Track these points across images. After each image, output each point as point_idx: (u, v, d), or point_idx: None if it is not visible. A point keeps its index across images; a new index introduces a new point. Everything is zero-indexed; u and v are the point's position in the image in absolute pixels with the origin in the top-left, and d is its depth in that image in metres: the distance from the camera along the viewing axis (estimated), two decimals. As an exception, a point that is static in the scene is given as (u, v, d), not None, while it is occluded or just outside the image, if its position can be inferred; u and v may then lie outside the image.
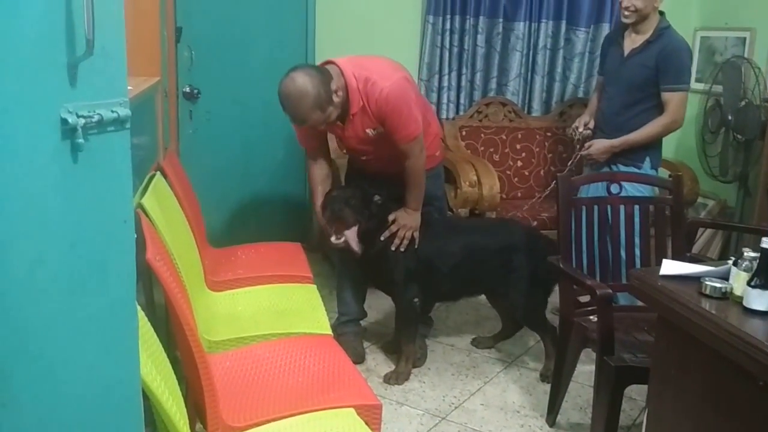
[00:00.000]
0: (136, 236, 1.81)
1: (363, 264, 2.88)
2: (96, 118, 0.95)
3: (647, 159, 3.03)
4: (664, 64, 2.91)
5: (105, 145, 1.00)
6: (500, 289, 2.93)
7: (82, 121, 0.93)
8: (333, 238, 2.75)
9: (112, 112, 0.99)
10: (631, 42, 3.05)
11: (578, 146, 3.24)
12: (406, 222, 2.77)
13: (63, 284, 0.95)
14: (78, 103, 0.94)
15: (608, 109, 3.14)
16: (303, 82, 2.47)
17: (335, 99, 2.52)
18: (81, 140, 0.93)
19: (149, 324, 1.49)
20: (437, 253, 2.83)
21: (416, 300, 2.86)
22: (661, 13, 3.02)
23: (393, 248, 2.76)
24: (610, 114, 3.12)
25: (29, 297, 0.89)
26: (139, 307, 1.42)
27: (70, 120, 0.92)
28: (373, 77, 2.55)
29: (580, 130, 3.24)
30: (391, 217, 2.78)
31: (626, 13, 2.98)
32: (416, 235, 2.78)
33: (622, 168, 3.02)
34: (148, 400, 1.30)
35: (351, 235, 2.76)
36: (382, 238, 2.77)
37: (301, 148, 2.95)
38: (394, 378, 2.83)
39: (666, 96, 2.94)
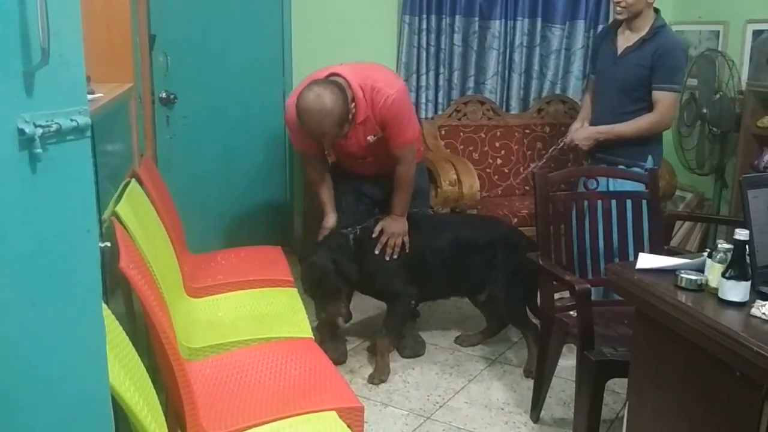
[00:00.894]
0: (111, 245, 1.81)
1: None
2: (54, 127, 0.94)
3: (649, 157, 2.97)
4: (658, 63, 2.86)
5: (65, 155, 0.98)
6: (484, 285, 2.94)
7: (39, 130, 0.91)
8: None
9: (71, 120, 0.98)
10: (625, 40, 2.98)
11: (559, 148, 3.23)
12: (394, 230, 2.82)
13: (25, 297, 0.94)
14: (35, 113, 0.92)
15: (602, 108, 3.07)
16: (329, 101, 2.51)
17: (350, 116, 2.60)
18: (39, 150, 0.91)
19: (123, 333, 1.47)
20: (427, 250, 2.86)
21: (413, 302, 2.91)
22: (657, 11, 2.96)
23: (387, 258, 2.80)
24: (603, 114, 3.06)
25: (-10, 310, 0.88)
26: (113, 317, 1.41)
27: (27, 130, 0.90)
28: (378, 85, 2.63)
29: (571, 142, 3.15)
30: (377, 229, 2.82)
31: (618, 8, 2.93)
32: (406, 240, 2.83)
33: (622, 168, 2.93)
34: (123, 410, 1.29)
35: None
36: (376, 251, 2.81)
37: (295, 151, 3.07)
38: (377, 375, 2.83)
39: (657, 95, 2.88)
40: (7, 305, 0.91)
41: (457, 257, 2.89)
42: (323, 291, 2.80)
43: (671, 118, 2.96)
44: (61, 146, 0.97)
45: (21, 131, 0.90)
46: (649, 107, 2.91)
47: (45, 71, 0.93)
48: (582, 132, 3.05)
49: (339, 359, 2.88)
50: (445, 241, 2.91)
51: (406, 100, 2.77)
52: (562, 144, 3.17)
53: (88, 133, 1.02)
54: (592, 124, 3.16)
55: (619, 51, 2.99)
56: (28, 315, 0.94)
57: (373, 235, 2.83)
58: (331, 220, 2.94)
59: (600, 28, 4.14)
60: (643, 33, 2.92)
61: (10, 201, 0.90)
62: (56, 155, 0.96)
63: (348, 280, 2.81)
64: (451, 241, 2.91)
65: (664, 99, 2.89)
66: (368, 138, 2.73)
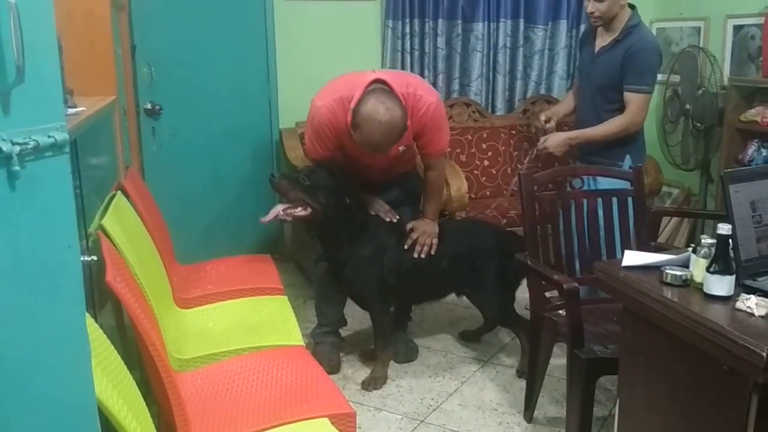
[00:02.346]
0: (96, 259, 1.80)
1: (336, 272, 2.87)
2: (32, 144, 0.94)
3: (627, 156, 2.98)
4: (627, 63, 2.87)
5: (43, 171, 0.98)
6: (469, 290, 2.95)
7: (17, 148, 0.91)
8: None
9: (49, 137, 0.98)
10: (602, 40, 3.01)
11: (539, 140, 3.20)
12: (426, 229, 2.83)
13: (7, 313, 0.93)
14: (12, 131, 0.92)
15: (582, 107, 3.12)
16: (398, 116, 2.49)
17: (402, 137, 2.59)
18: (17, 168, 0.91)
19: (112, 347, 1.47)
20: (411, 257, 2.82)
21: (390, 310, 2.90)
22: (632, 7, 2.96)
23: (416, 255, 2.79)
24: (583, 113, 3.10)
25: (-29, 329, 0.88)
26: (100, 331, 1.41)
27: (4, 148, 0.90)
28: (419, 92, 2.61)
29: (544, 124, 3.20)
30: (409, 226, 2.83)
31: (593, 18, 2.96)
32: (435, 241, 2.82)
33: (601, 166, 2.96)
34: (112, 425, 1.28)
35: (280, 210, 2.70)
36: (406, 248, 2.78)
37: (308, 156, 2.91)
38: (372, 383, 2.82)
39: (627, 96, 2.89)
40: (-11, 323, 0.91)
41: (444, 262, 2.86)
42: (282, 191, 2.70)
43: (642, 118, 2.95)
44: (40, 163, 0.97)
45: (-2, 149, 0.90)
46: (623, 107, 2.93)
47: (21, 89, 0.93)
48: (553, 139, 3.05)
49: (331, 371, 2.87)
50: (443, 248, 2.86)
51: (443, 108, 2.80)
52: (535, 151, 3.15)
53: (67, 149, 1.02)
54: (575, 122, 3.20)
55: (596, 50, 3.03)
56: (11, 331, 0.94)
57: (410, 234, 2.81)
58: (373, 200, 2.88)
59: (582, 27, 4.16)
60: (617, 33, 2.94)
61: (-12, 219, 0.90)
62: (35, 172, 0.96)
63: (313, 201, 2.68)
64: (447, 248, 2.87)
65: (633, 100, 2.89)
66: (399, 149, 2.69)
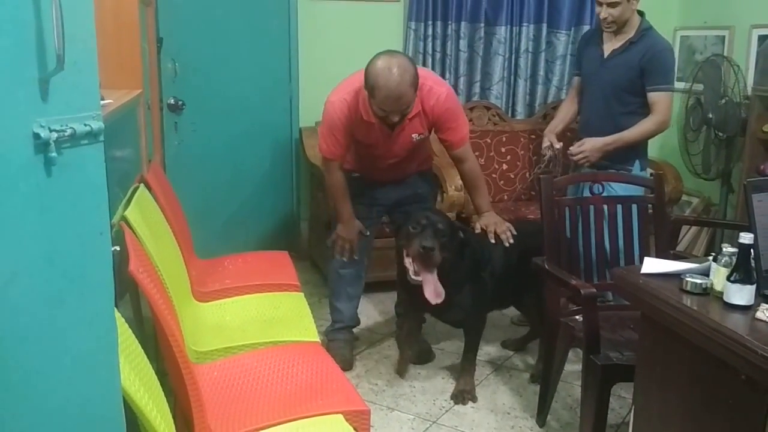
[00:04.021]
0: (119, 249, 1.83)
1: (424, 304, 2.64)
2: (69, 131, 0.96)
3: (637, 162, 3.02)
4: (649, 66, 2.91)
5: (79, 159, 1.00)
6: (533, 291, 2.80)
7: (54, 135, 0.94)
8: (412, 275, 2.55)
9: (85, 125, 1.00)
10: (612, 43, 3.03)
11: (546, 165, 3.19)
12: (493, 220, 2.79)
13: (39, 297, 0.95)
14: (50, 118, 0.94)
15: (591, 112, 3.12)
16: (404, 58, 2.50)
17: (417, 86, 2.54)
18: (54, 154, 0.93)
19: (133, 336, 1.49)
20: (497, 263, 2.76)
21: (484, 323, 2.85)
22: (641, 14, 3.02)
23: (506, 244, 2.72)
24: (594, 118, 3.10)
25: (5, 310, 0.90)
26: (122, 320, 1.43)
27: (42, 134, 0.92)
28: (428, 83, 2.62)
29: (554, 148, 3.18)
30: (479, 225, 2.77)
31: (606, 24, 2.98)
32: (509, 225, 2.77)
33: (612, 171, 2.98)
34: (133, 412, 1.30)
35: (432, 280, 2.53)
36: (492, 241, 2.71)
37: (321, 154, 2.85)
38: (461, 397, 2.74)
39: (654, 96, 2.92)
40: (21, 305, 0.93)
41: (516, 266, 2.77)
42: (426, 260, 2.52)
43: (670, 117, 3.01)
44: (75, 150, 0.99)
45: (36, 135, 0.92)
46: (639, 108, 2.96)
47: (59, 77, 0.95)
48: (591, 143, 3.00)
49: (344, 367, 2.84)
50: (510, 251, 2.78)
51: (455, 96, 2.79)
52: (548, 161, 3.18)
53: (101, 138, 1.04)
54: (581, 127, 3.20)
55: (606, 54, 3.04)
56: (42, 315, 0.96)
57: (486, 231, 2.74)
58: (352, 226, 2.88)
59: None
60: (630, 35, 2.97)
61: (25, 204, 0.92)
62: (70, 159, 0.98)
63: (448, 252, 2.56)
64: (511, 250, 2.79)
65: (662, 99, 2.93)
66: (413, 136, 2.70)
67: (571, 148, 3.10)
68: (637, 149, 3.02)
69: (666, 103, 2.94)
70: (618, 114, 3.00)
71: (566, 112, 3.32)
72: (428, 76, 2.74)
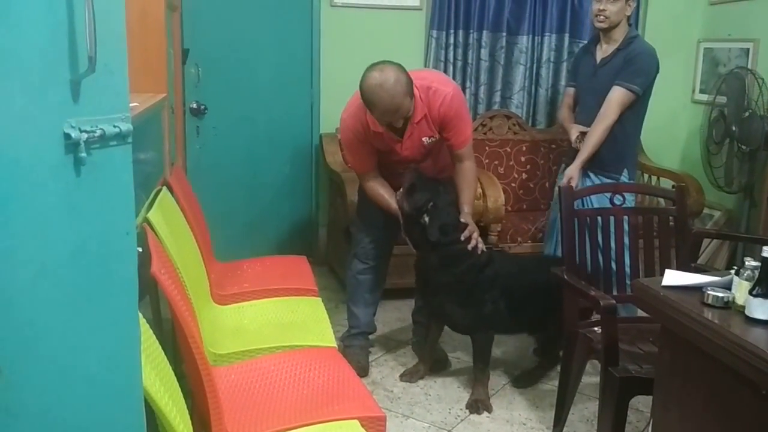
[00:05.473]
0: (141, 250, 1.85)
1: (433, 303, 2.83)
2: (98, 132, 0.98)
3: (625, 170, 3.06)
4: (624, 65, 2.97)
5: (107, 159, 1.02)
6: (549, 326, 2.83)
7: (84, 135, 0.95)
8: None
9: (114, 127, 1.02)
10: (603, 51, 3.10)
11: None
12: (469, 219, 2.77)
13: (65, 294, 0.97)
14: (81, 119, 0.96)
15: (586, 119, 3.13)
16: (392, 70, 2.51)
17: (413, 91, 2.57)
18: (84, 154, 0.95)
19: (154, 337, 1.50)
20: (511, 285, 2.76)
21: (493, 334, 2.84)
22: (629, 25, 3.10)
23: (477, 250, 2.71)
24: (585, 124, 3.13)
25: (32, 306, 0.92)
26: (144, 321, 1.44)
27: (73, 135, 0.94)
28: (434, 85, 2.64)
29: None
30: (465, 235, 2.71)
31: (600, 18, 3.02)
32: (477, 234, 2.75)
33: (605, 180, 3.03)
34: (152, 412, 1.31)
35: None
36: (469, 248, 2.69)
37: (352, 168, 2.89)
38: (476, 407, 2.74)
39: (612, 91, 2.96)
40: (48, 303, 0.94)
41: (528, 295, 2.79)
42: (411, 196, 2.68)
43: (614, 114, 2.97)
44: (104, 151, 1.01)
45: (67, 136, 0.94)
46: (631, 111, 2.99)
47: (91, 79, 0.97)
48: (573, 172, 3.04)
49: (360, 374, 2.84)
50: (525, 279, 2.81)
51: (463, 98, 2.81)
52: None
53: (130, 139, 1.06)
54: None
55: (598, 62, 3.10)
56: (67, 312, 0.98)
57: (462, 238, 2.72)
58: None
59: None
60: (618, 43, 3.03)
61: (55, 202, 0.94)
62: (99, 159, 1.00)
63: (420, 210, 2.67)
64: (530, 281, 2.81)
65: (613, 94, 2.96)
66: (423, 140, 2.71)
67: (560, 184, 3.08)
68: (624, 158, 3.06)
69: (615, 99, 2.95)
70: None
71: (571, 117, 3.32)
72: (433, 77, 2.76)
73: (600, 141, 3.00)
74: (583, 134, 3.12)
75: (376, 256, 2.97)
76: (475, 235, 2.73)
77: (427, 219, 2.66)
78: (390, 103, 2.49)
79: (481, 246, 2.74)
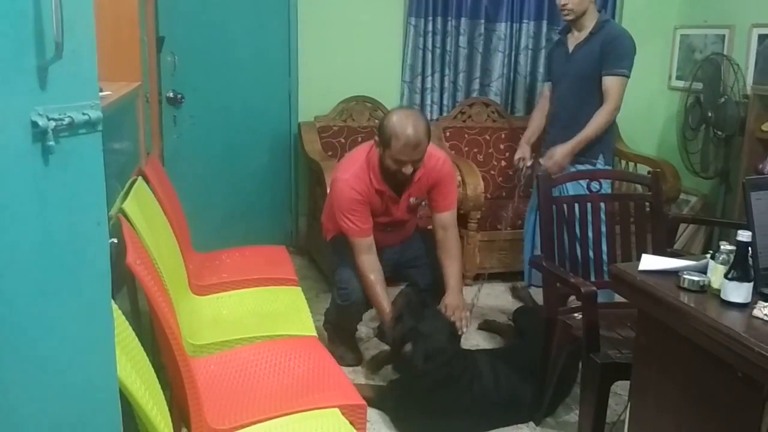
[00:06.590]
0: (117, 241, 1.82)
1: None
2: (67, 120, 0.96)
3: (601, 155, 3.10)
4: (607, 49, 3.00)
5: (76, 148, 1.00)
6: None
7: (52, 123, 0.93)
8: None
9: (83, 114, 0.99)
10: (575, 39, 3.14)
11: (520, 180, 3.41)
12: (458, 303, 2.67)
13: (34, 286, 0.95)
14: (48, 106, 0.94)
15: (562, 109, 3.18)
16: (416, 112, 2.70)
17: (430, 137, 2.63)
18: (52, 143, 0.93)
19: (130, 329, 1.48)
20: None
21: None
22: (599, 11, 3.15)
23: (461, 333, 2.62)
24: (565, 114, 3.17)
25: (0, 300, 0.89)
26: (119, 312, 1.43)
27: (40, 123, 0.92)
28: (429, 150, 2.66)
29: (526, 161, 3.33)
30: (442, 306, 2.65)
31: (564, 12, 3.08)
32: (467, 314, 2.68)
33: (580, 167, 3.07)
34: (130, 404, 1.30)
35: None
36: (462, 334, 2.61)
37: (351, 238, 2.70)
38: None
39: (606, 81, 3.01)
40: (17, 295, 0.92)
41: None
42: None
43: (621, 102, 3.06)
44: (73, 139, 0.98)
45: (34, 124, 0.92)
46: (599, 95, 3.03)
47: (58, 65, 0.95)
48: (558, 155, 3.06)
49: (356, 362, 2.94)
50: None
51: (452, 163, 2.88)
52: (524, 178, 3.36)
53: (100, 127, 1.04)
54: (550, 122, 3.30)
55: (571, 49, 3.14)
56: (38, 305, 0.96)
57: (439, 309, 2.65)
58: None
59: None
60: (591, 28, 3.07)
61: (22, 192, 0.92)
62: (68, 148, 0.97)
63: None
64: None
65: (614, 85, 3.00)
66: (411, 199, 2.77)
67: (541, 160, 3.17)
68: (601, 143, 3.10)
69: (617, 89, 3.00)
70: (590, 105, 3.07)
71: (539, 121, 3.39)
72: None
73: (600, 129, 3.03)
74: (522, 160, 3.28)
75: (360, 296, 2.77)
76: (459, 315, 2.63)
77: (410, 347, 2.47)
78: (414, 136, 2.51)
79: (466, 323, 2.64)
